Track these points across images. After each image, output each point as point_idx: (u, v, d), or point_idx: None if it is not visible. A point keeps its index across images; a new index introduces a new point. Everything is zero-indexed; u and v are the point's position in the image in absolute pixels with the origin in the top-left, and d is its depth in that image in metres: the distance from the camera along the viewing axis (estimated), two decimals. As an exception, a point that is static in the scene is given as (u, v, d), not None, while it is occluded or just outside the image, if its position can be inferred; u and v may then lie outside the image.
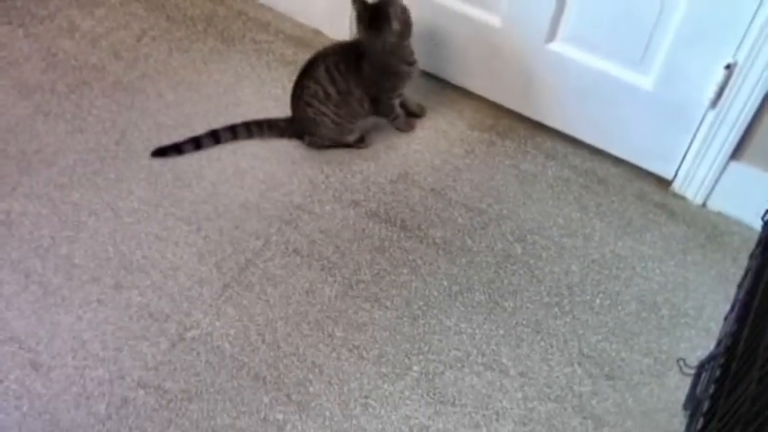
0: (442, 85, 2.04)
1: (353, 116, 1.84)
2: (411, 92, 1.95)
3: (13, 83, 1.95)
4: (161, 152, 1.83)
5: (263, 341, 1.57)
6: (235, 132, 1.87)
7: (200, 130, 1.89)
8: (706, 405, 1.44)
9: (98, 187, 1.78)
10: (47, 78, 1.97)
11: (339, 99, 1.80)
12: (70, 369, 1.50)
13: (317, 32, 2.13)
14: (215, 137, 1.86)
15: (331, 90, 1.79)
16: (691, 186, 1.86)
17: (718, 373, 1.48)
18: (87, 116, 1.91)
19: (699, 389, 1.51)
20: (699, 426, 1.42)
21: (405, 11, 1.76)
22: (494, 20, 1.87)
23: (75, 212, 1.73)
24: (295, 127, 1.87)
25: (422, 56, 2.02)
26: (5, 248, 1.65)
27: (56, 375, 1.49)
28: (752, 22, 1.57)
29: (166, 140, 1.87)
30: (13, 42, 2.04)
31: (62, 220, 1.71)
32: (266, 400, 1.50)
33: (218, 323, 1.59)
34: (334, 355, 1.57)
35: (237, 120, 1.89)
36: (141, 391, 1.48)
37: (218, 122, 1.87)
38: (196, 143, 1.85)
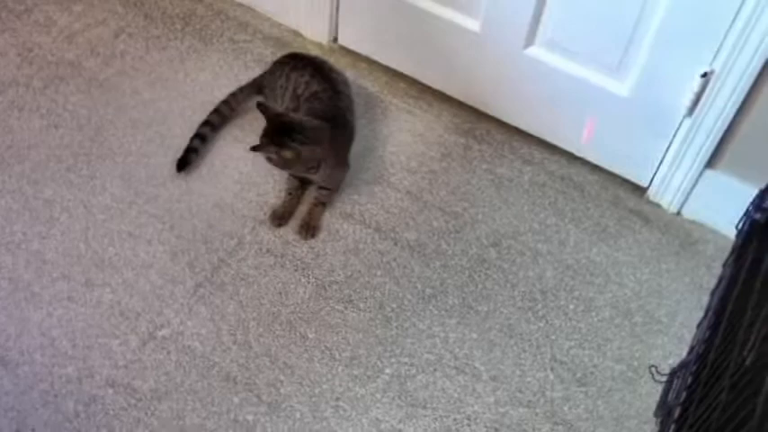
0: (420, 88, 2.04)
1: None
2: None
3: (-12, 77, 1.93)
4: (183, 163, 1.80)
5: (235, 341, 1.56)
6: (221, 113, 1.86)
7: (175, 128, 1.87)
8: (677, 412, 1.44)
9: (71, 183, 1.76)
10: (22, 73, 1.95)
11: (290, 104, 1.78)
12: (38, 366, 1.48)
13: (296, 33, 2.12)
14: (210, 125, 1.85)
15: (289, 92, 1.79)
16: (666, 194, 1.86)
17: (689, 380, 1.48)
18: (62, 112, 1.89)
19: (670, 396, 1.52)
20: (668, 432, 1.42)
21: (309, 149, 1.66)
22: (473, 24, 1.87)
23: (48, 208, 1.71)
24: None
25: (402, 59, 2.04)
26: (-25, 244, 1.63)
27: (23, 372, 1.47)
28: (729, 30, 1.58)
29: (141, 138, 1.86)
30: (-11, 36, 2.02)
31: (34, 216, 1.69)
32: (236, 400, 1.48)
33: (189, 322, 1.57)
34: (305, 356, 1.56)
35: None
36: (110, 390, 1.47)
37: (195, 121, 1.86)
38: (201, 138, 1.83)
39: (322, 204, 1.77)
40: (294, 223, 1.75)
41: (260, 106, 1.67)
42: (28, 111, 1.88)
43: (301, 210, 1.78)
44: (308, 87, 1.78)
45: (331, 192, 1.79)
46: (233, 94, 1.89)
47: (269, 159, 1.67)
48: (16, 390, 1.45)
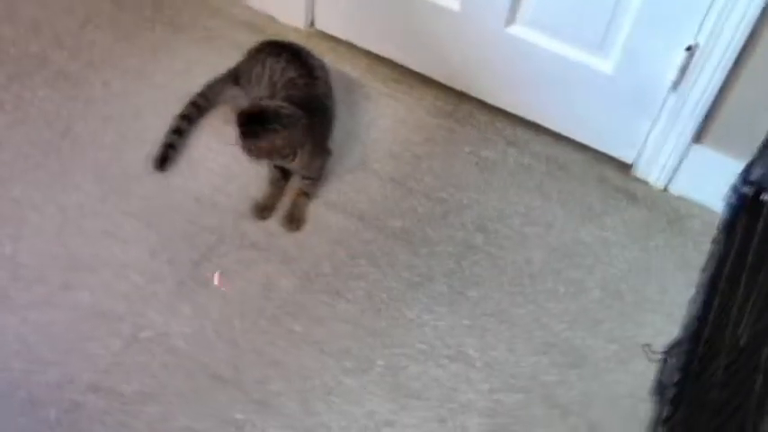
0: (401, 71, 2.00)
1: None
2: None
3: (-51, 73, 1.86)
4: (161, 161, 1.74)
5: (220, 339, 1.52)
6: (198, 105, 1.81)
7: (149, 121, 1.81)
8: (673, 391, 1.43)
9: (41, 182, 1.70)
10: (-15, 68, 1.88)
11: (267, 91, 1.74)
12: (16, 373, 1.44)
13: (271, 18, 2.06)
14: (187, 118, 1.79)
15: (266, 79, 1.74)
16: (652, 170, 1.85)
17: (683, 359, 1.47)
18: (29, 107, 1.82)
19: (665, 375, 1.51)
20: (665, 413, 1.41)
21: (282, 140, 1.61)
22: (452, 3, 1.83)
23: (18, 208, 1.65)
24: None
25: (381, 42, 1.99)
26: (-56, 248, 1.57)
27: (0, 380, 1.42)
28: (713, 2, 1.56)
29: (113, 133, 1.79)
30: (-52, 30, 1.94)
31: (3, 217, 1.63)
32: (224, 399, 1.45)
33: (173, 322, 1.53)
34: (294, 350, 1.52)
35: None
36: (92, 395, 1.43)
37: (169, 111, 1.80)
38: (178, 132, 1.77)
39: (305, 195, 1.73)
40: (279, 215, 1.71)
41: (238, 111, 1.62)
42: (-8, 107, 1.81)
43: (284, 201, 1.73)
44: (284, 74, 1.73)
45: (314, 181, 1.74)
46: (209, 85, 1.83)
47: (248, 151, 1.62)
48: (-6, 399, 1.40)
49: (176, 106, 1.80)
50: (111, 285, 1.56)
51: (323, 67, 1.82)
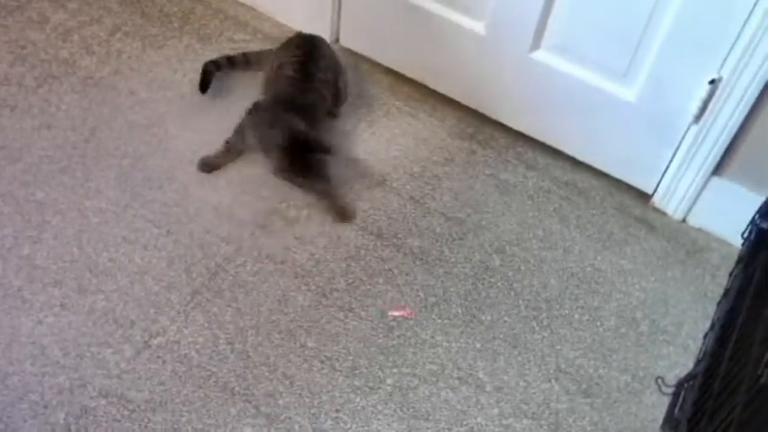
0: (423, 91, 2.01)
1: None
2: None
3: (-21, 75, 1.88)
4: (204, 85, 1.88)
5: (233, 350, 1.52)
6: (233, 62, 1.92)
7: (173, 129, 1.83)
8: (685, 427, 1.41)
9: (64, 186, 1.71)
10: (14, 71, 1.90)
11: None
12: (29, 376, 1.44)
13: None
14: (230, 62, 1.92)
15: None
16: (671, 201, 1.84)
17: (697, 393, 1.45)
18: (56, 112, 1.84)
19: (677, 409, 1.49)
20: (677, 447, 1.40)
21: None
22: (478, 27, 1.84)
23: (40, 211, 1.66)
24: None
25: (405, 61, 2.00)
26: (-36, 248, 1.58)
27: (13, 382, 1.43)
28: (738, 37, 1.56)
29: (137, 139, 1.81)
30: (-20, 33, 1.97)
31: (25, 220, 1.64)
32: (234, 411, 1.45)
33: (185, 330, 1.53)
34: (305, 366, 1.52)
35: (212, 121, 1.85)
36: (103, 401, 1.43)
37: (193, 122, 1.82)
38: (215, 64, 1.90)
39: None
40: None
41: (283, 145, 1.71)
42: (20, 110, 1.83)
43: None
44: (285, 70, 1.80)
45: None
46: (252, 52, 1.95)
47: (296, 179, 1.74)
48: (5, 401, 1.40)
49: (200, 115, 1.82)
50: (127, 291, 1.57)
51: (331, 65, 1.85)
